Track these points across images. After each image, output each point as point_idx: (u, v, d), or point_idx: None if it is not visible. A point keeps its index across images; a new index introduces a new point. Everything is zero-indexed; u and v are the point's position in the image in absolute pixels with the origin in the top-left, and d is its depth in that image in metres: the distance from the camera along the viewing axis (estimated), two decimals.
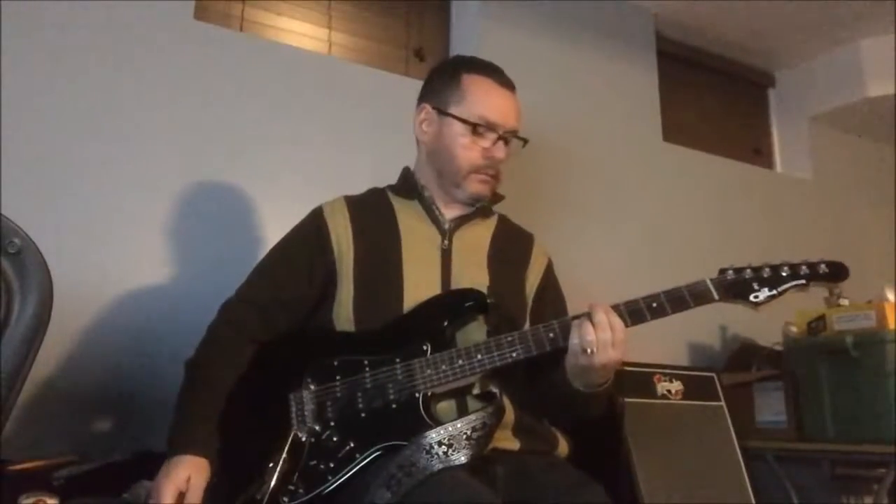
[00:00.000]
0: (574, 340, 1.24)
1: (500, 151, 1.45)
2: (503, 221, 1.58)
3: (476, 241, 1.49)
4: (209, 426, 1.30)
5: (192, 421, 1.30)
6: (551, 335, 1.27)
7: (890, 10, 2.92)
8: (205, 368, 1.37)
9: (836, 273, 1.31)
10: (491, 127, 1.44)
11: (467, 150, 1.44)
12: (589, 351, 1.22)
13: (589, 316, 1.24)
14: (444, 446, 1.17)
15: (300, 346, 1.39)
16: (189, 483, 1.22)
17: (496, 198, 1.55)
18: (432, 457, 1.16)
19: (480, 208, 1.51)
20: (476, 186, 1.46)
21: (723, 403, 2.42)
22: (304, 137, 2.15)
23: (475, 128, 1.43)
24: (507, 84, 1.49)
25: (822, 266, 1.30)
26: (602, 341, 1.22)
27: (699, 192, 3.00)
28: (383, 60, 2.48)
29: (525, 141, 1.51)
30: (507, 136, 1.46)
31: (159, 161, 1.93)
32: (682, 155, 3.02)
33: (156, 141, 1.94)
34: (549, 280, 1.54)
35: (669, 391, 2.35)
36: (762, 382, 2.59)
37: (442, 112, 1.47)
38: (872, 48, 3.17)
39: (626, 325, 1.25)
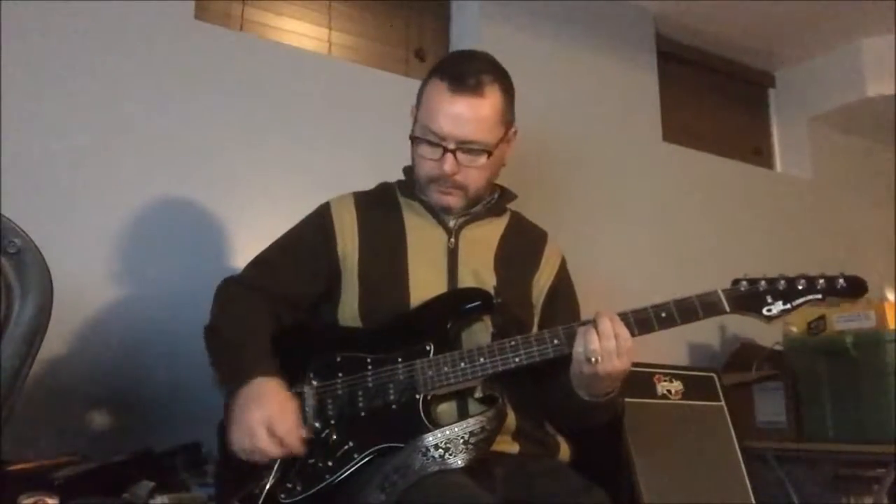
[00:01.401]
0: (578, 349, 1.21)
1: (446, 164, 1.32)
2: (516, 219, 1.52)
3: (484, 239, 1.44)
4: (266, 353, 1.26)
5: (246, 351, 1.26)
6: (556, 342, 1.24)
7: (890, 10, 2.92)
8: (234, 317, 1.34)
9: (855, 288, 1.26)
10: (435, 139, 1.33)
11: (422, 160, 1.37)
12: (593, 360, 1.19)
13: (594, 324, 1.21)
14: (440, 449, 1.16)
15: (304, 340, 1.37)
16: (283, 415, 1.18)
17: (508, 196, 1.50)
18: (428, 459, 1.15)
19: (491, 206, 1.46)
20: (437, 197, 1.39)
21: (723, 403, 2.42)
22: (303, 137, 2.15)
23: (415, 139, 1.37)
24: (463, 89, 1.31)
25: (841, 280, 1.26)
26: (606, 350, 1.19)
27: (699, 192, 3.00)
28: (383, 60, 2.48)
29: (489, 154, 1.34)
30: (459, 149, 1.32)
31: (159, 160, 1.93)
32: (682, 155, 3.02)
33: (155, 140, 1.94)
34: (562, 280, 1.48)
35: (669, 391, 2.35)
36: (762, 382, 2.59)
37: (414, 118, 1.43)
38: (872, 48, 3.17)
39: (633, 335, 1.22)
